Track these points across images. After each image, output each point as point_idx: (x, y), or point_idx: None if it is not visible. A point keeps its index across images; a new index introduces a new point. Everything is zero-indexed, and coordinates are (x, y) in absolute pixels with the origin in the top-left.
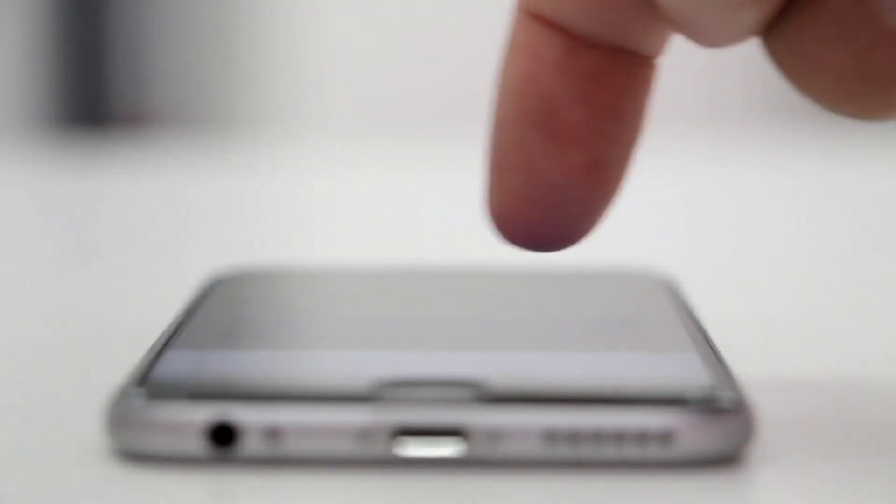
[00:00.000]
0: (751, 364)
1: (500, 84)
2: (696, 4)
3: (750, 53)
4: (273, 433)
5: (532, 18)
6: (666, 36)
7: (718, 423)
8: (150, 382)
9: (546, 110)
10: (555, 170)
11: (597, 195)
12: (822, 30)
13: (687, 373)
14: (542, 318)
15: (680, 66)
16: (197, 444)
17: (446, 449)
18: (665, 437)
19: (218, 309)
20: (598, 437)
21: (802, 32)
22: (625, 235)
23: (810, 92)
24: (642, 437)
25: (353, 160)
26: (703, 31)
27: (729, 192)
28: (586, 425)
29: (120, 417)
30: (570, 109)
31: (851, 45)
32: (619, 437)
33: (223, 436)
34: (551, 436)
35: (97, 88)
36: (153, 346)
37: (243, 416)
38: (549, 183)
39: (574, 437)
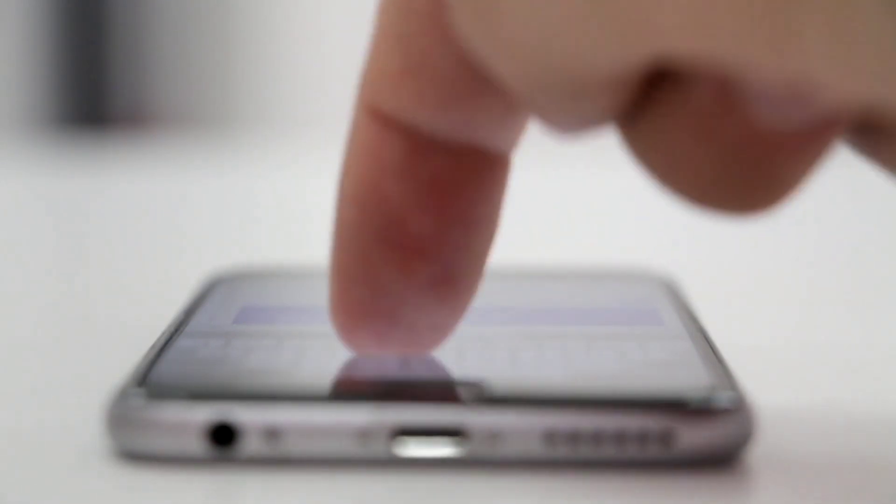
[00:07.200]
0: (751, 364)
1: (340, 189)
2: (542, 91)
3: None
4: (273, 433)
5: (373, 116)
6: (519, 128)
7: (718, 423)
8: (150, 382)
9: (389, 221)
10: (400, 283)
11: (446, 307)
12: (683, 126)
13: (687, 373)
14: (541, 318)
15: None
16: (197, 444)
17: (446, 449)
18: (665, 437)
19: (217, 309)
20: (597, 437)
21: (661, 127)
22: (625, 235)
23: (672, 188)
24: (642, 437)
25: None
26: (552, 119)
27: None
28: (586, 426)
29: (120, 417)
30: (415, 220)
31: (715, 145)
32: (619, 437)
33: (223, 436)
34: (551, 436)
35: (97, 88)
36: (153, 346)
37: (243, 416)
38: (394, 296)
39: (574, 437)
